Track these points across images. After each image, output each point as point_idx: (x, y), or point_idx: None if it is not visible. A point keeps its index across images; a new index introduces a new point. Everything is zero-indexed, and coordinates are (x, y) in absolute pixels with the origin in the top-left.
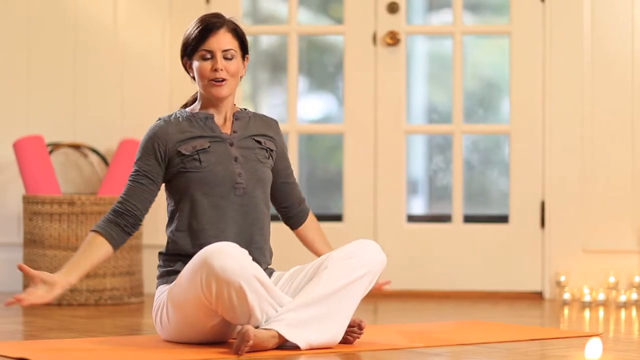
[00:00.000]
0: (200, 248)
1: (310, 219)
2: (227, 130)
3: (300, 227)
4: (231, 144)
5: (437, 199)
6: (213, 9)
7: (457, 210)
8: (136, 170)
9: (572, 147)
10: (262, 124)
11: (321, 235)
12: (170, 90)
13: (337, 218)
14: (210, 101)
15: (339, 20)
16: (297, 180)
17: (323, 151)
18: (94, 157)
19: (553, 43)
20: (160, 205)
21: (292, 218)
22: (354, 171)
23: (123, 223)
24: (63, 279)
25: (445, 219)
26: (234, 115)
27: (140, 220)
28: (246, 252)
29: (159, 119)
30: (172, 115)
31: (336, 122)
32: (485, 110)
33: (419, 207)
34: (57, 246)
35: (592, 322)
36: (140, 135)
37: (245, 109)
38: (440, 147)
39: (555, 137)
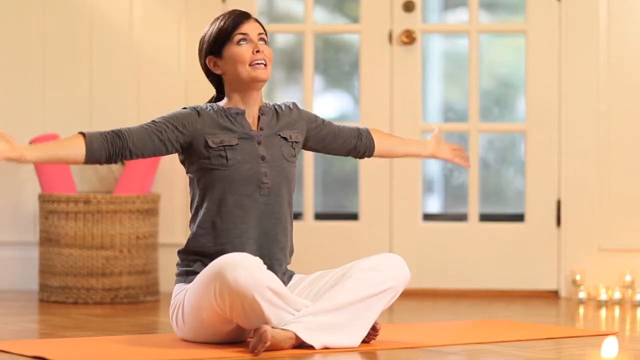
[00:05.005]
0: (222, 247)
1: (377, 137)
2: (254, 127)
3: (375, 151)
4: (259, 143)
5: (453, 197)
6: (229, 8)
7: (473, 209)
8: (154, 125)
9: (587, 145)
10: (281, 115)
11: (392, 138)
12: (185, 91)
13: (353, 217)
14: (239, 98)
15: (355, 19)
16: (338, 125)
17: None
18: None
19: (569, 42)
20: (176, 206)
21: (365, 152)
22: (369, 170)
23: (111, 142)
24: (23, 149)
25: (461, 217)
26: (260, 109)
27: (129, 154)
28: (260, 261)
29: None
30: (204, 106)
31: (352, 121)
32: (501, 109)
33: (434, 205)
34: (73, 245)
35: (608, 321)
36: None
37: (266, 103)
38: None
39: (571, 135)
